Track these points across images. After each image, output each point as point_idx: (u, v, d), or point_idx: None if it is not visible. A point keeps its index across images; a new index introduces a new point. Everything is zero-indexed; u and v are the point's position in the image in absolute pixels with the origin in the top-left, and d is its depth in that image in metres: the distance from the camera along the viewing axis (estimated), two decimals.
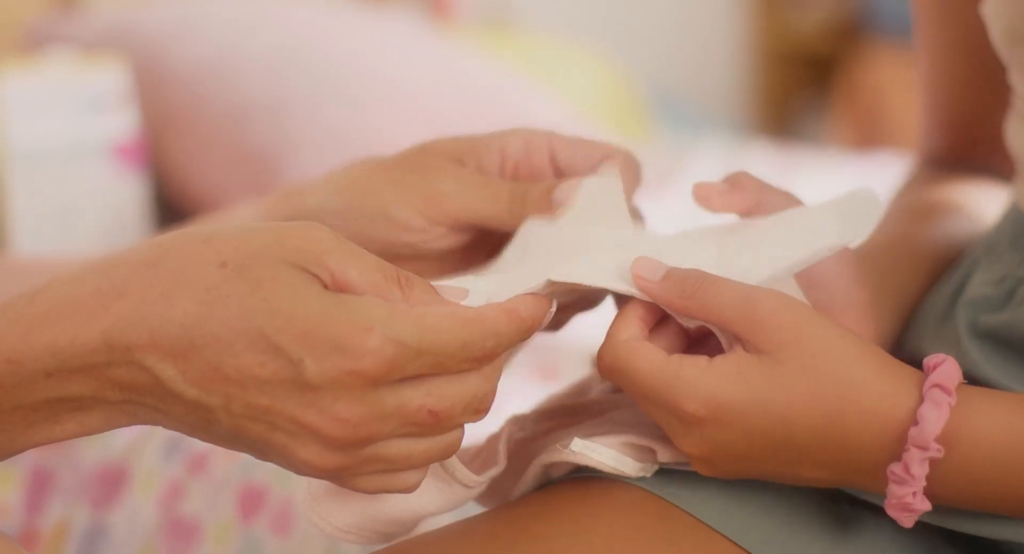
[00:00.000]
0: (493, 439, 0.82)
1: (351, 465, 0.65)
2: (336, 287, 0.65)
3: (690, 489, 0.76)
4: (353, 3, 2.45)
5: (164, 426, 0.67)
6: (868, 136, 3.31)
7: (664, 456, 0.74)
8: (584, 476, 0.78)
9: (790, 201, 0.81)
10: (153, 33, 1.97)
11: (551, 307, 0.71)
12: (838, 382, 0.69)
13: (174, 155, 1.91)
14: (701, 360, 0.70)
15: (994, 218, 0.97)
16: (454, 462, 0.73)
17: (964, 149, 1.07)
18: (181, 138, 1.91)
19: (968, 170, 1.06)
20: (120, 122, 1.72)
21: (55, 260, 1.02)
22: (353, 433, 0.63)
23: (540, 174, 0.83)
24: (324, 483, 0.73)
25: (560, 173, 0.83)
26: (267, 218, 0.85)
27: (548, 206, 0.79)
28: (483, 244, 0.84)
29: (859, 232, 0.73)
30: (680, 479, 0.76)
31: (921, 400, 0.68)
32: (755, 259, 0.74)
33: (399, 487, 0.67)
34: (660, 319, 0.74)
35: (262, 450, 0.65)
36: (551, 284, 0.71)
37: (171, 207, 1.88)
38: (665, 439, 0.74)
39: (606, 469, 0.75)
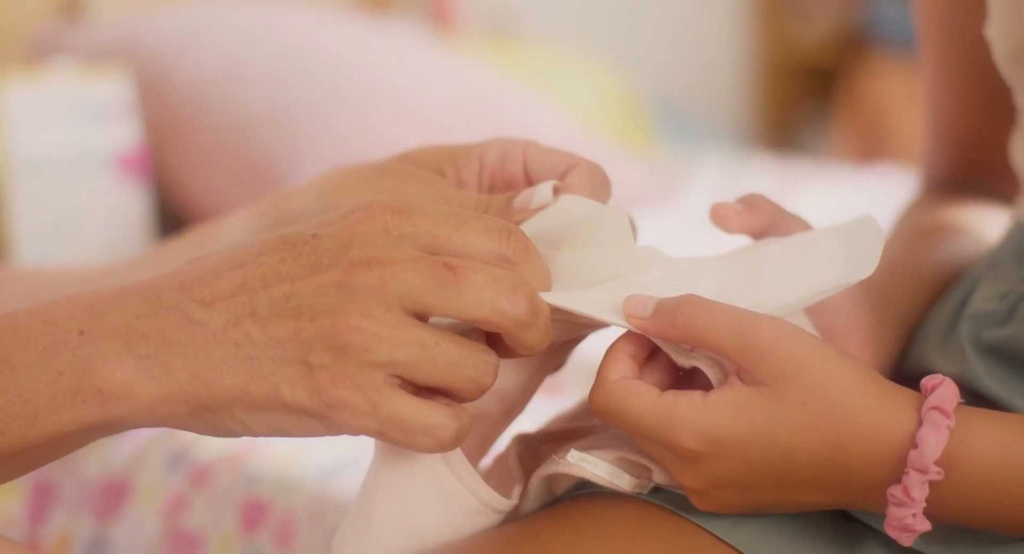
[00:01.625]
0: (502, 458, 0.82)
1: (383, 329, 0.64)
2: None
3: None
4: (356, 13, 2.45)
5: (193, 396, 0.66)
6: (870, 148, 3.31)
7: (659, 477, 0.74)
8: (596, 491, 0.78)
9: (802, 225, 0.81)
10: (157, 44, 1.97)
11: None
12: (837, 411, 0.68)
13: (177, 166, 1.91)
14: (696, 395, 0.69)
15: (997, 238, 0.97)
16: (486, 490, 0.74)
17: (968, 170, 1.07)
18: (184, 149, 1.91)
19: (972, 191, 1.06)
20: (123, 132, 1.72)
21: (59, 271, 1.03)
22: (368, 271, 0.65)
23: (514, 184, 0.83)
24: (352, 530, 0.73)
25: (531, 183, 0.83)
26: (257, 224, 0.87)
27: (508, 214, 0.79)
28: None
29: (862, 269, 0.73)
30: None
31: (920, 423, 0.68)
32: (757, 298, 0.73)
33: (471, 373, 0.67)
34: (649, 354, 0.73)
35: (296, 351, 0.65)
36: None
37: (174, 218, 1.88)
38: None
39: (602, 482, 0.75)
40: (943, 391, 0.69)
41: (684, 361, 0.72)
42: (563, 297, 0.71)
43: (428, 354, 0.65)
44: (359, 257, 0.65)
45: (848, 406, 0.68)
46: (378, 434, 0.66)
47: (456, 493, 0.73)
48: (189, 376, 0.66)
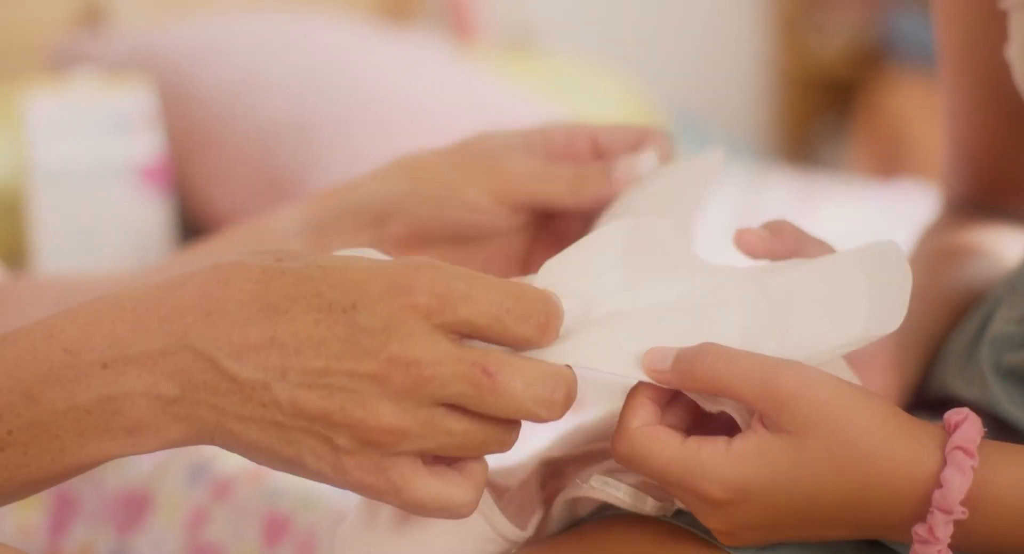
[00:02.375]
0: (525, 485, 0.82)
1: (413, 426, 0.64)
2: None
3: None
4: (377, 24, 2.46)
5: (219, 439, 0.67)
6: (889, 162, 3.30)
7: (683, 503, 0.75)
8: (619, 514, 0.78)
9: (827, 250, 0.81)
10: (178, 54, 1.98)
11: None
12: (861, 455, 0.68)
13: (199, 177, 1.91)
14: (720, 442, 0.69)
15: (1016, 261, 0.97)
16: (501, 520, 0.74)
17: (988, 191, 1.06)
18: (206, 159, 1.91)
19: (992, 212, 1.06)
20: (145, 143, 1.72)
21: (79, 277, 1.03)
22: (407, 372, 0.64)
23: (581, 160, 0.87)
24: (357, 540, 0.73)
25: (601, 157, 0.87)
26: (310, 216, 0.87)
27: (606, 183, 0.82)
28: (543, 229, 0.89)
29: (888, 322, 0.73)
30: None
31: (944, 463, 0.68)
32: (782, 345, 0.72)
33: (456, 494, 0.67)
34: (672, 395, 0.73)
35: (324, 430, 0.65)
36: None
37: (195, 229, 1.88)
38: None
39: (625, 506, 0.75)
40: (966, 429, 0.68)
41: (711, 407, 0.72)
42: (587, 353, 0.70)
43: (454, 442, 0.66)
44: (398, 354, 0.64)
45: (872, 449, 0.68)
46: (399, 508, 0.68)
47: (470, 519, 0.73)
48: (215, 425, 0.66)
